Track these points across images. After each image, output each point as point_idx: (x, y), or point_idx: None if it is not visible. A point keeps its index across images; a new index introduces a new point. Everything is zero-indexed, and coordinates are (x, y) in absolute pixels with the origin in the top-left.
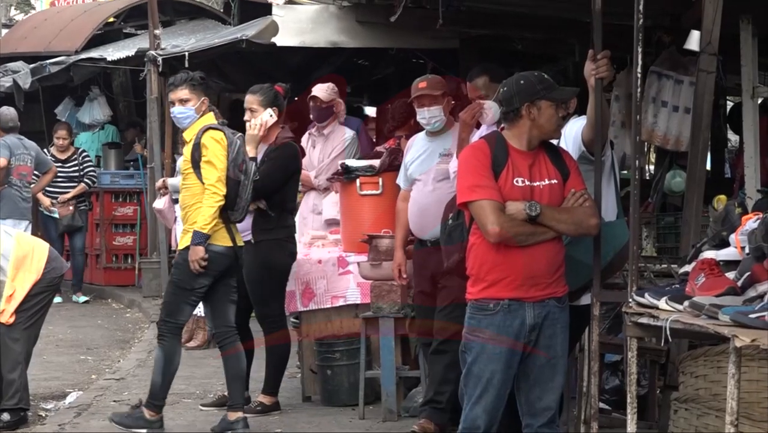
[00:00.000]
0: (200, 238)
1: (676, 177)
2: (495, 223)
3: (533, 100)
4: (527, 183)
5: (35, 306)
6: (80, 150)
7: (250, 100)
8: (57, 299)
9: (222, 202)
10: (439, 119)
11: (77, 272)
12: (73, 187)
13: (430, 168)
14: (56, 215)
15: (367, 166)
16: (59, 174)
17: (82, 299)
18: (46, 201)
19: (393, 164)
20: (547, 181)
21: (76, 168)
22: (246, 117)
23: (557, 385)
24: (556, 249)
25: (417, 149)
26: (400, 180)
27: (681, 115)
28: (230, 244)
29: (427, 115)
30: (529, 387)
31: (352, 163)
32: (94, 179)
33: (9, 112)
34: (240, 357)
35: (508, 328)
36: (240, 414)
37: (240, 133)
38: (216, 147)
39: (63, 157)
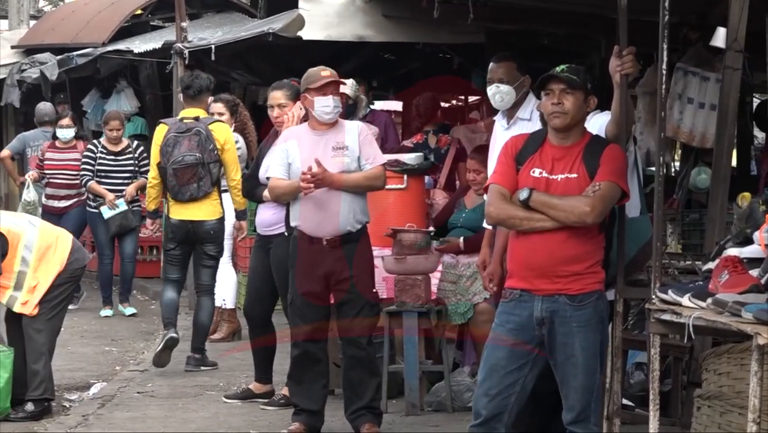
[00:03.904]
0: (148, 213)
1: (702, 174)
2: (490, 204)
3: (539, 96)
4: (544, 175)
5: (58, 297)
6: (135, 143)
7: (278, 96)
8: (107, 312)
9: (152, 183)
10: (339, 110)
11: (126, 281)
12: (127, 184)
13: (328, 162)
14: (122, 207)
15: (393, 161)
16: (112, 168)
17: (129, 311)
18: (110, 195)
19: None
20: (565, 175)
21: (131, 162)
22: (275, 114)
23: (580, 385)
24: (561, 241)
25: (302, 142)
26: (276, 172)
27: (707, 112)
28: (181, 218)
29: (332, 103)
30: (560, 385)
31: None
32: None
33: (45, 107)
34: (204, 311)
35: (516, 317)
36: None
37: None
38: (154, 139)
39: (116, 149)
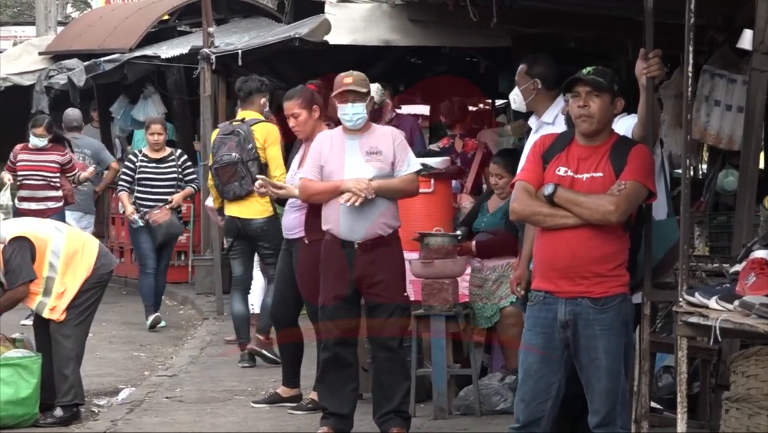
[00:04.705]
0: (217, 210)
1: (729, 176)
2: (515, 200)
3: (566, 98)
4: (569, 173)
5: (86, 302)
6: (178, 151)
7: (290, 106)
8: (158, 320)
9: (211, 183)
10: (362, 117)
11: (157, 294)
12: (170, 192)
13: (362, 167)
14: (139, 224)
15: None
16: (153, 177)
17: (158, 324)
18: (129, 207)
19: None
20: (591, 174)
21: (174, 170)
22: (292, 123)
23: (604, 388)
24: (585, 240)
25: (334, 146)
26: (308, 173)
27: (734, 114)
28: (231, 214)
29: (351, 111)
30: (585, 388)
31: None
32: (199, 184)
33: (73, 113)
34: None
35: (543, 320)
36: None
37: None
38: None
39: (158, 156)
